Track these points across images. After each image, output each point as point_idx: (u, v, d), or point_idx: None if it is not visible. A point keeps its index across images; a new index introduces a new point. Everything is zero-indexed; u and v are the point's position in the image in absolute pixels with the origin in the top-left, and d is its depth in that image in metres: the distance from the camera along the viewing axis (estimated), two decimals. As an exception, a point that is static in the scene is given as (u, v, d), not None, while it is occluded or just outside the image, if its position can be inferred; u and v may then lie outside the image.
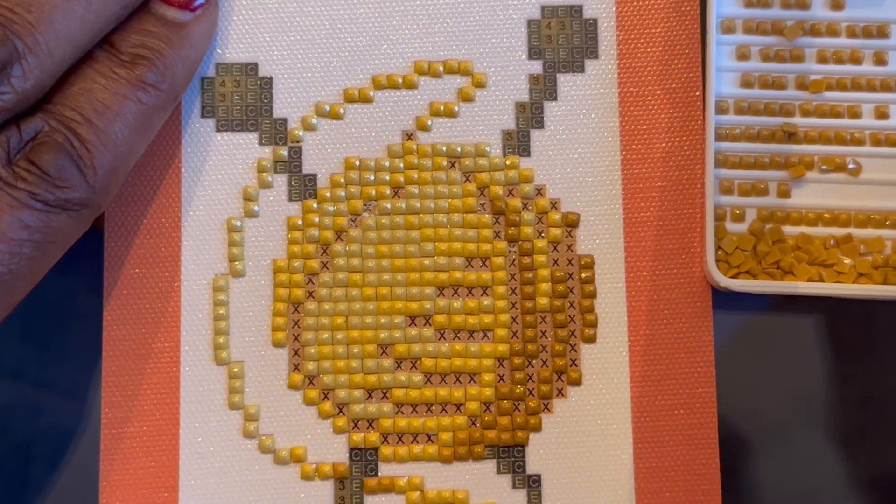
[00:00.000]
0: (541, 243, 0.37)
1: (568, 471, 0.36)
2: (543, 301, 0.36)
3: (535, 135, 0.37)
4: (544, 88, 0.37)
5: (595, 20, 0.37)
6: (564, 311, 0.37)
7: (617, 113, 0.37)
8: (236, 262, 0.37)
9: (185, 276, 0.36)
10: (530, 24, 0.37)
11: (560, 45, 0.37)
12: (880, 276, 0.37)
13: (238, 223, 0.37)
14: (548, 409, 0.36)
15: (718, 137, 0.37)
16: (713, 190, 0.36)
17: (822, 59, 0.38)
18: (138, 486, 0.36)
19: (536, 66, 0.37)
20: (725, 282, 0.36)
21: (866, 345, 0.37)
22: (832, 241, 0.37)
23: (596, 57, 0.37)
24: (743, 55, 0.37)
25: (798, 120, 0.37)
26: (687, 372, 0.36)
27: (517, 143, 0.37)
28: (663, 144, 0.37)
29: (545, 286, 0.36)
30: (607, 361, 0.36)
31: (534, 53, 0.37)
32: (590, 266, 0.37)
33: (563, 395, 0.36)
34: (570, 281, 0.37)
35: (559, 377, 0.36)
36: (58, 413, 0.37)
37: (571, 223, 0.37)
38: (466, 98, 0.37)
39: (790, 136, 0.37)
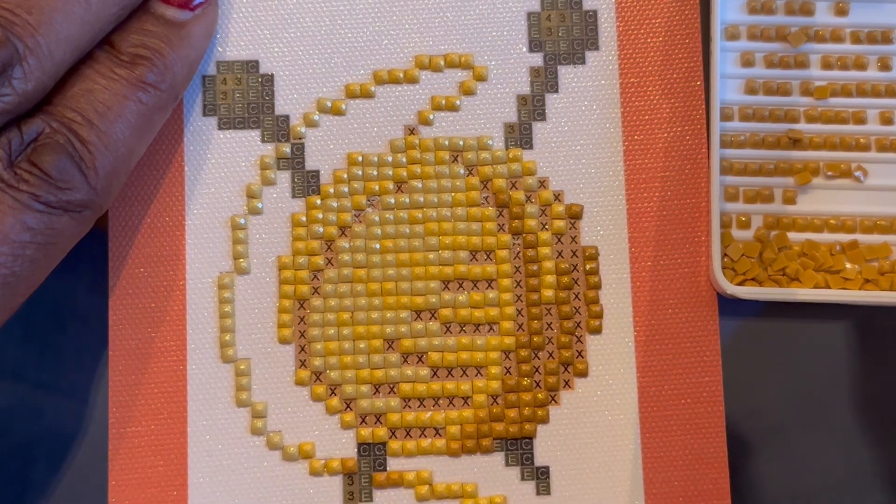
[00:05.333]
0: (545, 235, 0.37)
1: (576, 462, 0.36)
2: (548, 293, 0.36)
3: (537, 127, 0.37)
4: (545, 81, 0.37)
5: (595, 11, 0.37)
6: (569, 303, 0.37)
7: (618, 104, 0.37)
8: (241, 260, 0.37)
9: (190, 274, 0.37)
10: (530, 16, 0.37)
11: (560, 37, 0.37)
12: (886, 282, 0.36)
13: (242, 221, 0.37)
14: (555, 401, 0.36)
15: (723, 144, 0.37)
16: (719, 197, 0.36)
17: (827, 65, 0.37)
18: (147, 485, 0.36)
19: (537, 59, 0.37)
20: (732, 289, 0.36)
21: (869, 348, 0.37)
22: (838, 248, 0.37)
23: (596, 48, 0.37)
24: (747, 62, 0.37)
25: (803, 126, 0.37)
26: (693, 361, 0.36)
27: (519, 135, 0.37)
28: (665, 134, 0.37)
29: (550, 278, 0.37)
30: (613, 352, 0.36)
31: (534, 46, 0.37)
32: (594, 257, 0.37)
33: (569, 387, 0.36)
34: (574, 272, 0.37)
35: (565, 369, 0.36)
36: (59, 414, 0.37)
37: (575, 215, 0.37)
38: (468, 92, 0.37)
39: (795, 142, 0.37)
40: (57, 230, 0.31)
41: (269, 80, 0.37)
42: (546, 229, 0.37)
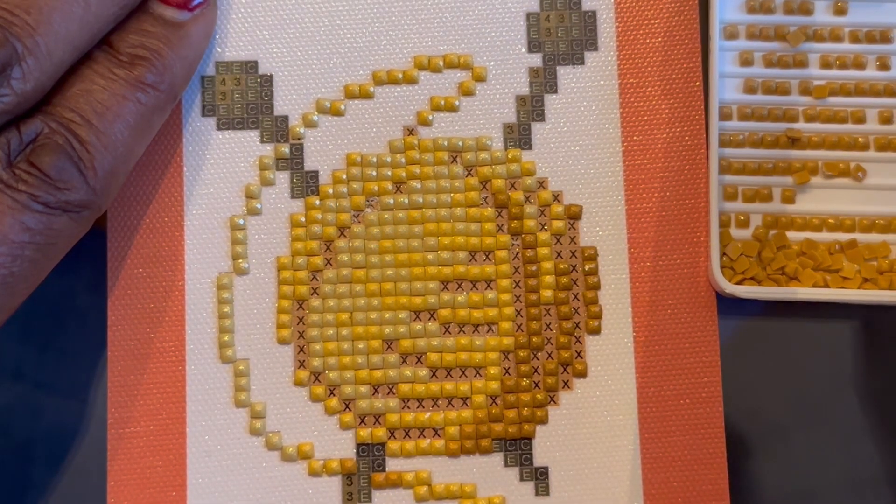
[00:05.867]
0: (544, 236, 0.37)
1: (575, 462, 0.36)
2: (547, 293, 0.36)
3: (536, 128, 0.37)
4: (544, 81, 0.37)
5: (594, 12, 0.37)
6: (568, 304, 0.37)
7: (617, 104, 0.37)
8: (240, 260, 0.37)
9: (189, 274, 0.37)
10: (529, 17, 0.37)
11: (559, 37, 0.37)
12: (885, 281, 0.36)
13: (241, 221, 0.37)
14: (554, 402, 0.36)
15: (722, 144, 0.37)
16: (717, 196, 0.36)
17: (826, 65, 0.37)
18: (146, 486, 0.36)
19: (536, 59, 0.37)
20: (731, 288, 0.36)
21: (868, 347, 0.37)
22: (837, 247, 0.37)
23: (595, 49, 0.37)
24: (746, 61, 0.37)
25: (802, 125, 0.37)
26: (692, 362, 0.36)
27: (518, 136, 0.37)
28: (664, 135, 0.37)
29: (549, 279, 0.37)
30: (612, 353, 0.36)
31: (533, 46, 0.37)
32: (593, 258, 0.37)
33: (568, 387, 0.36)
34: (573, 273, 0.37)
35: (564, 369, 0.36)
36: (59, 414, 0.37)
37: (574, 215, 0.37)
38: (467, 92, 0.37)
39: (794, 141, 0.37)
40: (56, 230, 0.31)
41: (268, 80, 0.37)
42: (545, 230, 0.37)
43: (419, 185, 0.37)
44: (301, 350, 0.36)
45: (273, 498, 0.36)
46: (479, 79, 0.37)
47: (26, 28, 0.30)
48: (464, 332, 0.37)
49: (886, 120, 0.37)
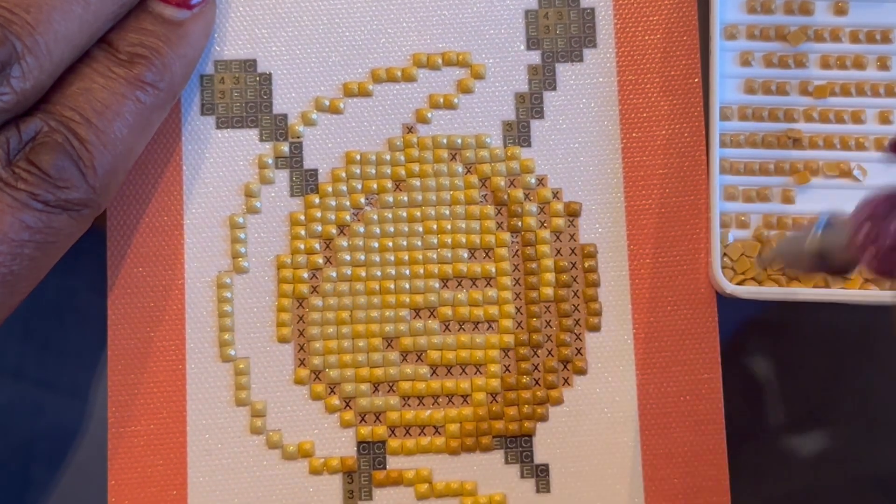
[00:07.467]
0: (543, 233, 0.37)
1: (575, 459, 0.36)
2: (547, 291, 0.36)
3: (535, 125, 0.37)
4: (543, 78, 0.37)
5: (593, 9, 0.37)
6: (568, 301, 0.37)
7: (616, 101, 0.37)
8: (239, 259, 0.37)
9: (189, 273, 0.37)
10: (528, 14, 0.37)
11: (558, 34, 0.37)
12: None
13: (240, 220, 0.37)
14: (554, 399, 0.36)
15: (722, 144, 0.37)
16: (718, 197, 0.36)
17: (826, 65, 0.37)
18: (147, 484, 0.36)
19: (535, 57, 0.37)
20: (732, 289, 0.36)
21: (867, 347, 0.37)
22: None
23: (594, 46, 0.37)
24: (746, 61, 0.37)
25: (802, 126, 0.37)
26: (692, 358, 0.36)
27: (517, 133, 0.37)
28: (663, 132, 0.37)
29: (548, 276, 0.37)
30: (612, 350, 0.36)
31: (532, 44, 0.37)
32: (593, 255, 0.37)
33: (568, 384, 0.36)
34: (573, 270, 0.37)
35: (564, 366, 0.36)
36: (59, 413, 0.37)
37: (573, 213, 0.37)
38: (466, 90, 0.37)
39: (794, 142, 0.37)
40: (55, 229, 0.31)
41: (267, 79, 0.37)
42: (545, 227, 0.37)
43: (418, 183, 0.37)
44: (301, 348, 0.36)
45: (274, 496, 0.36)
46: (478, 76, 0.37)
47: (26, 27, 0.30)
48: (464, 329, 0.37)
49: (886, 120, 0.37)
